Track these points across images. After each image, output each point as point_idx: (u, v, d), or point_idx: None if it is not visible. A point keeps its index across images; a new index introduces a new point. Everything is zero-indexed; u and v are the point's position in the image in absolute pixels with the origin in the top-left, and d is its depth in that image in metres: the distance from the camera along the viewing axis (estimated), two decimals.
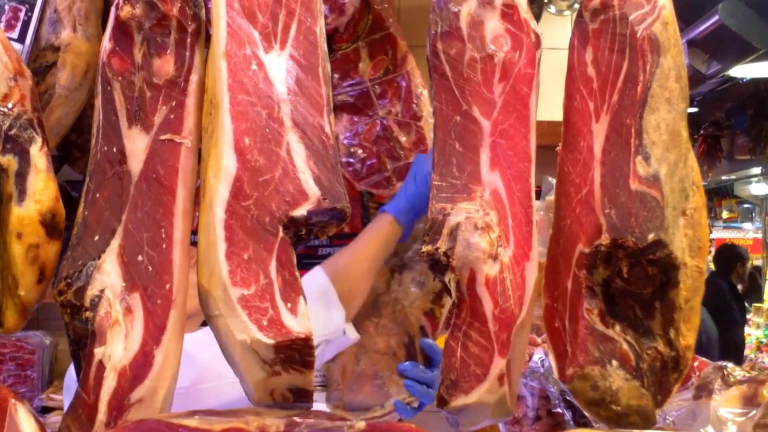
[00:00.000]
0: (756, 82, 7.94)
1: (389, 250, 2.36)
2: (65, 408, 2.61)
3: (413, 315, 2.41)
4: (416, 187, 2.33)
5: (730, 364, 2.15)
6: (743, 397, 2.03)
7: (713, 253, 11.01)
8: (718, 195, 15.42)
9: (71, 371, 2.64)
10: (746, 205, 15.65)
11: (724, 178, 13.06)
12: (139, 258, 1.56)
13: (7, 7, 2.10)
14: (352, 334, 2.33)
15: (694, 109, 9.12)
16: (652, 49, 1.64)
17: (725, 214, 15.44)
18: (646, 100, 1.63)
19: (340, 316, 2.28)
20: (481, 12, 1.69)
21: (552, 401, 2.73)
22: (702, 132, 10.18)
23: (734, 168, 11.06)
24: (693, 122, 9.84)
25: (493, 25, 1.69)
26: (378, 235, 2.34)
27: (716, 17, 4.61)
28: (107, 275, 1.54)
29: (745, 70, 6.22)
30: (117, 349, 1.50)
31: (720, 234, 14.90)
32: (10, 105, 1.56)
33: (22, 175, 1.55)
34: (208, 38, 1.68)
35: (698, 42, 4.94)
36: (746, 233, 15.43)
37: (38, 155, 1.57)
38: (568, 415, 2.68)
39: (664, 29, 1.66)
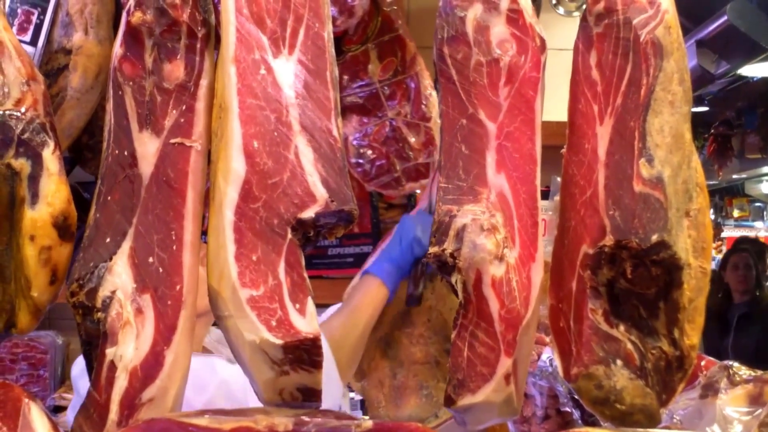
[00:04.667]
0: (766, 81, 7.92)
1: (379, 313, 2.34)
2: (74, 398, 2.64)
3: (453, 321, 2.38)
4: (401, 251, 2.33)
5: (735, 364, 2.16)
6: (749, 396, 2.03)
7: (724, 253, 10.92)
8: (729, 194, 15.36)
9: (75, 366, 2.67)
10: (757, 204, 15.59)
11: (735, 177, 13.02)
12: (150, 260, 1.58)
13: (19, 10, 2.12)
14: (346, 409, 2.31)
15: (705, 108, 9.11)
16: (656, 52, 1.66)
17: (736, 213, 15.39)
18: (649, 103, 1.64)
19: (338, 390, 2.26)
20: (486, 17, 1.70)
21: (560, 400, 2.74)
22: (712, 131, 10.15)
23: (745, 167, 11.02)
24: (703, 121, 9.82)
25: (499, 29, 1.71)
26: (369, 300, 2.32)
27: (725, 17, 4.61)
28: (118, 277, 1.56)
29: (755, 69, 6.22)
30: (128, 350, 1.52)
31: (731, 233, 14.83)
32: (23, 109, 1.58)
33: (34, 179, 1.57)
34: (217, 42, 1.70)
35: (707, 42, 4.94)
36: (758, 232, 15.36)
37: (50, 159, 1.59)
38: (576, 414, 2.68)
39: (667, 33, 1.67)
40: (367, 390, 2.39)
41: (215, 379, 2.33)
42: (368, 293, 2.32)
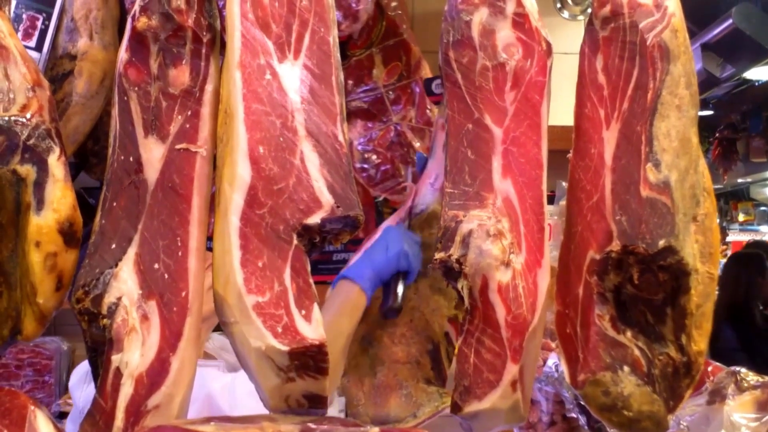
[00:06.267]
0: None
1: (358, 321, 2.27)
2: (72, 409, 2.66)
3: (436, 322, 2.37)
4: (387, 260, 2.24)
5: (743, 370, 2.16)
6: (756, 402, 2.03)
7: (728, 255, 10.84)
8: (734, 198, 15.35)
9: (72, 375, 2.68)
10: (763, 208, 15.56)
11: (739, 181, 13.02)
12: (156, 266, 1.57)
13: (24, 16, 2.12)
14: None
15: (710, 112, 9.11)
16: (662, 56, 1.65)
17: (741, 217, 15.35)
18: (656, 107, 1.63)
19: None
20: (492, 21, 1.70)
21: (566, 406, 2.73)
22: (717, 135, 10.16)
23: (750, 171, 11.02)
24: (708, 125, 9.82)
25: (505, 33, 1.70)
26: (350, 309, 2.24)
27: (730, 21, 4.61)
28: (124, 283, 1.56)
29: (760, 73, 6.22)
30: (134, 356, 1.52)
31: (736, 237, 14.80)
32: (28, 115, 1.58)
33: (40, 185, 1.56)
34: (222, 48, 1.70)
35: (712, 45, 4.94)
36: (763, 236, 15.33)
37: (56, 165, 1.58)
38: (582, 420, 2.68)
39: (673, 37, 1.67)
40: (348, 387, 2.38)
41: (201, 394, 2.32)
42: (348, 301, 2.25)
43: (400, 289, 2.28)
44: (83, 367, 2.77)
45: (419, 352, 2.36)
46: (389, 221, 2.41)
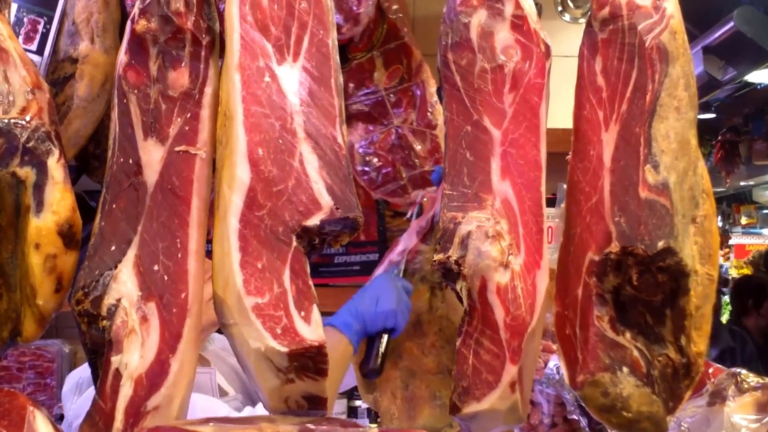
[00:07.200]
0: None
1: (346, 369, 2.27)
2: (65, 416, 2.64)
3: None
4: (374, 315, 2.23)
5: (743, 371, 2.15)
6: (757, 404, 2.03)
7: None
8: (737, 201, 15.33)
9: (66, 382, 2.66)
10: (765, 211, 15.55)
11: (742, 183, 13.02)
12: (155, 268, 1.58)
13: (26, 19, 2.13)
14: None
15: (712, 115, 9.11)
16: (661, 58, 1.65)
17: (744, 220, 15.33)
18: (655, 108, 1.63)
19: None
20: (491, 23, 1.70)
21: (568, 408, 2.72)
22: (720, 138, 10.16)
23: (753, 173, 11.03)
24: (711, 128, 9.83)
25: (503, 35, 1.70)
26: (338, 357, 2.20)
27: (731, 23, 4.61)
28: (123, 285, 1.56)
29: (762, 76, 6.22)
30: (133, 358, 1.52)
31: (739, 240, 14.78)
32: (27, 118, 1.58)
33: (39, 187, 1.57)
34: (222, 50, 1.70)
35: (714, 48, 4.94)
36: (766, 239, 15.31)
37: (55, 167, 1.59)
38: (583, 422, 2.67)
39: (672, 38, 1.67)
40: (380, 402, 2.36)
41: None
42: (335, 350, 2.18)
43: (381, 349, 2.27)
44: (76, 375, 2.76)
45: (450, 361, 2.33)
46: (408, 232, 2.40)
